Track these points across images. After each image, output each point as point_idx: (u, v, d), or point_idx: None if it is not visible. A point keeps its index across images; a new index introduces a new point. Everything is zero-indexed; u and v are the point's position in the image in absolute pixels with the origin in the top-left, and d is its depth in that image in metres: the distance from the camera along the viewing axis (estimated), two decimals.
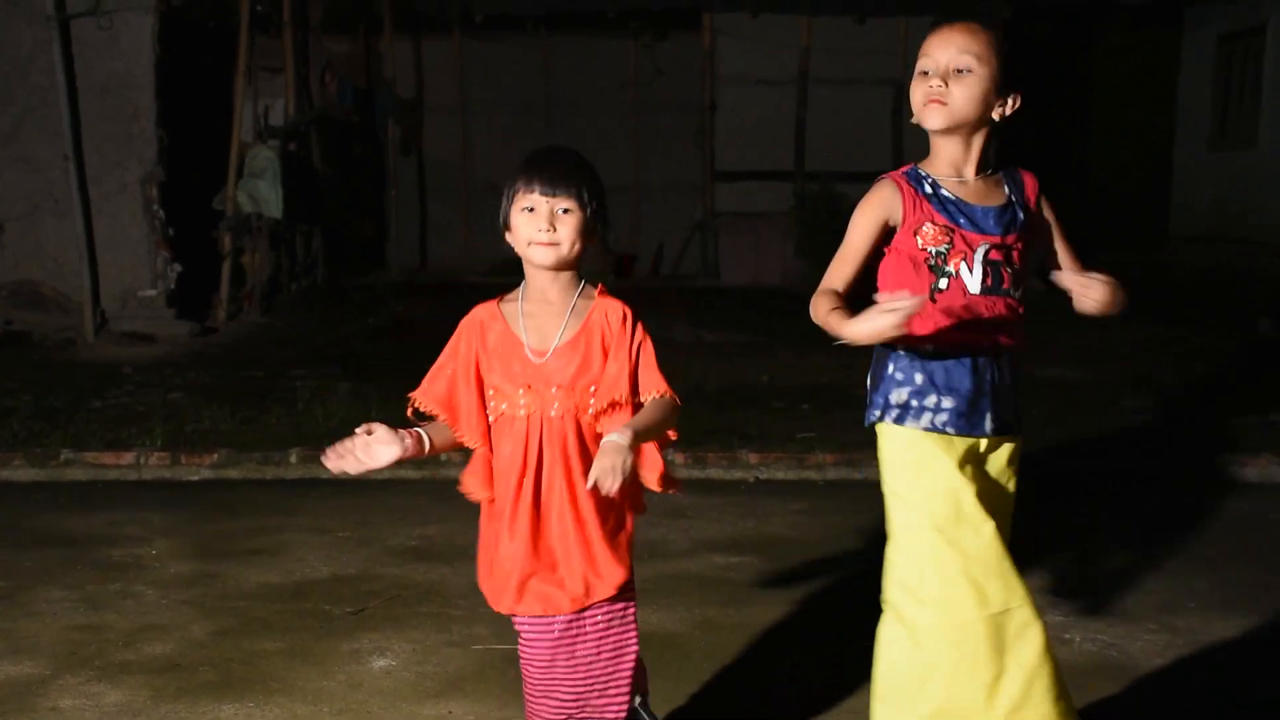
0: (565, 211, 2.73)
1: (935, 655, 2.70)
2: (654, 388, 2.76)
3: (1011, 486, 2.81)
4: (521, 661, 2.90)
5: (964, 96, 2.66)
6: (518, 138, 16.73)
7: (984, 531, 2.68)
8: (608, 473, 2.53)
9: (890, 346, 2.75)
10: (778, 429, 6.95)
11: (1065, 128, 17.26)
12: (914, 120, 2.75)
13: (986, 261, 2.70)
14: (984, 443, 2.74)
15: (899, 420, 2.73)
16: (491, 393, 2.80)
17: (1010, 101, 2.74)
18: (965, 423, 2.70)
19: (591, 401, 2.75)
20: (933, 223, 2.70)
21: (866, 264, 2.77)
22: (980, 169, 2.78)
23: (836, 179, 13.73)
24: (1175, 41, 16.54)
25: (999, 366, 2.74)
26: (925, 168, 2.79)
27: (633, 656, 2.87)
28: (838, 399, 7.52)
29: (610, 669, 2.85)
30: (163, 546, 5.27)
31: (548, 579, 2.77)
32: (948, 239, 2.69)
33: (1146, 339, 10.02)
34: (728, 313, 11.66)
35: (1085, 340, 9.46)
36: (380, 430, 2.86)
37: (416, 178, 17.48)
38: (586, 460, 2.72)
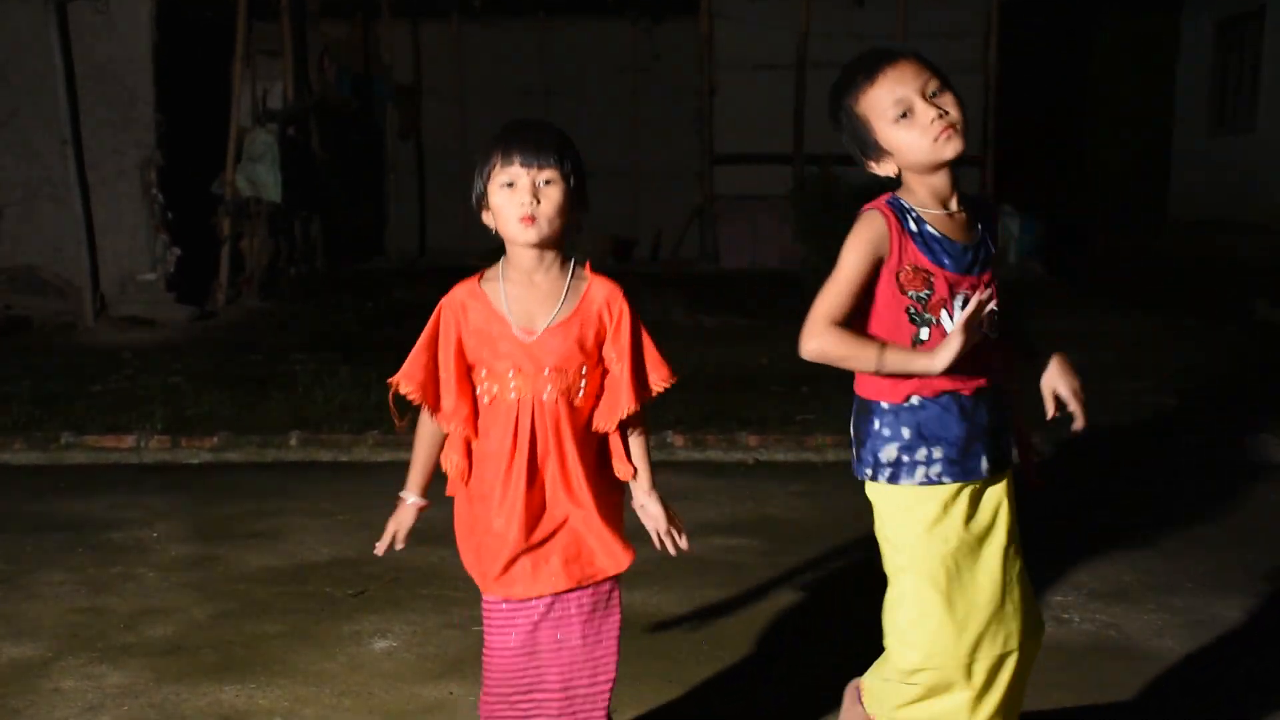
0: (548, 183, 2.61)
1: (924, 693, 2.70)
2: (659, 375, 2.73)
3: (1010, 517, 2.69)
4: (490, 655, 2.79)
5: (957, 112, 2.53)
6: None
7: (981, 582, 2.64)
8: (663, 531, 2.77)
9: (874, 400, 2.65)
10: (776, 411, 6.96)
11: (1064, 114, 17.24)
12: (923, 159, 2.55)
13: (965, 304, 2.54)
14: (977, 484, 2.65)
15: (893, 479, 2.63)
16: (483, 374, 2.70)
17: None
18: (960, 469, 2.60)
19: (583, 384, 2.69)
20: (915, 266, 2.56)
21: (861, 296, 2.60)
22: (951, 192, 2.63)
23: (835, 162, 13.72)
24: (1173, 27, 16.52)
25: (987, 406, 2.63)
26: (907, 199, 2.62)
27: (615, 640, 2.79)
28: (836, 382, 7.49)
29: (594, 654, 2.76)
30: (163, 529, 5.28)
31: (542, 559, 2.69)
32: (928, 285, 2.55)
33: (1145, 323, 10.03)
34: (726, 296, 11.66)
35: (1082, 325, 9.48)
36: (404, 530, 2.90)
37: (415, 163, 17.46)
38: (580, 442, 2.69)
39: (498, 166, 2.64)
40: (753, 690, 3.67)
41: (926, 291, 2.56)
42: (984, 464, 2.61)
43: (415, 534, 5.13)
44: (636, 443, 2.80)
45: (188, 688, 3.66)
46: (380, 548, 2.85)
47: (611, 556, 2.73)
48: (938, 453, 2.59)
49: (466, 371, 2.71)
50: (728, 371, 8.20)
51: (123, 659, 3.88)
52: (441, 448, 2.78)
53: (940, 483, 2.60)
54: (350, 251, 14.92)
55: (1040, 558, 4.75)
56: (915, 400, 2.60)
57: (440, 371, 2.71)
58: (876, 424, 2.64)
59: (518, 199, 2.61)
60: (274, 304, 11.94)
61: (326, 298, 12.15)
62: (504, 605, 2.75)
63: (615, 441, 2.77)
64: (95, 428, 6.76)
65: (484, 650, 2.81)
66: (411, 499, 2.85)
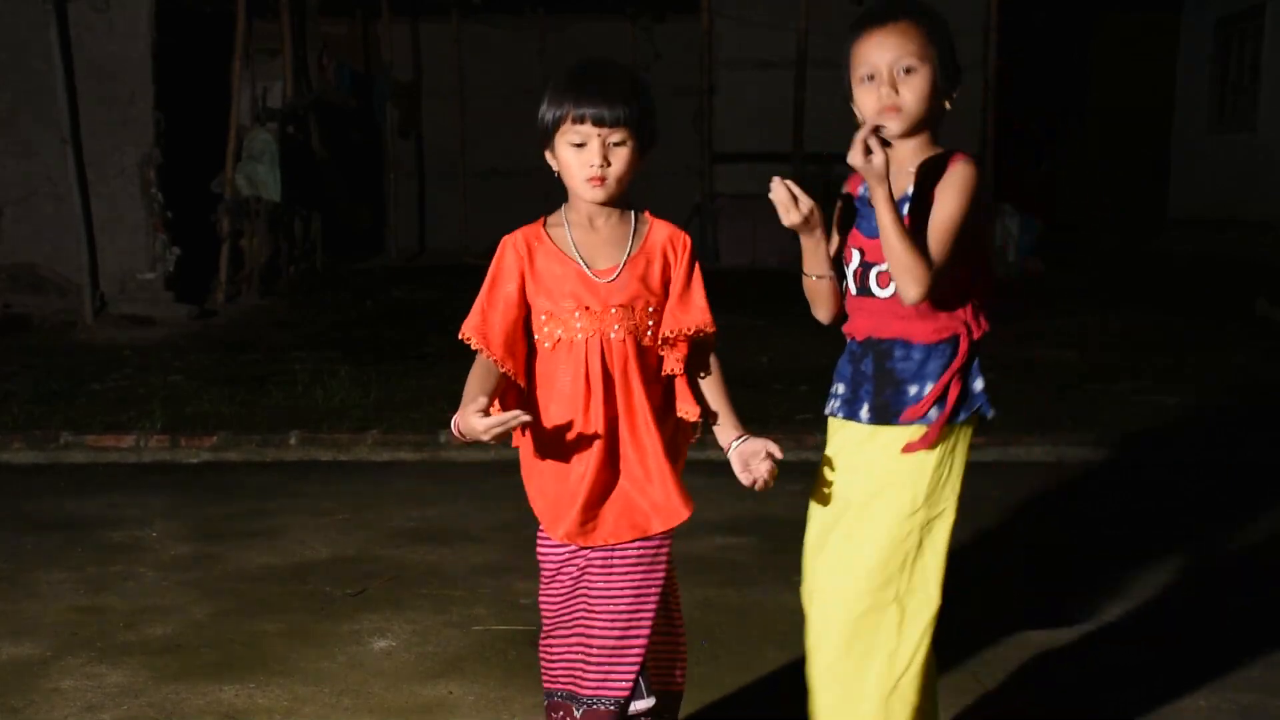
0: (618, 144, 2.58)
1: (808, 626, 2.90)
2: (703, 318, 2.71)
3: (907, 473, 2.69)
4: (541, 594, 2.75)
5: (914, 97, 2.60)
6: (516, 121, 16.68)
7: (821, 509, 2.85)
8: (762, 471, 2.77)
9: None
10: (776, 410, 6.95)
11: (1064, 112, 17.24)
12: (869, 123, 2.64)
13: (861, 264, 2.71)
14: (865, 430, 2.74)
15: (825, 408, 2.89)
16: (544, 318, 2.65)
17: (957, 86, 2.68)
18: (847, 407, 2.78)
19: (650, 323, 2.67)
20: (846, 226, 2.77)
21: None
22: (914, 161, 2.67)
23: (835, 160, 13.68)
24: (1174, 24, 16.52)
25: (880, 357, 2.70)
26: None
27: (652, 607, 2.70)
28: None
29: (634, 608, 2.68)
30: (163, 528, 5.28)
31: (608, 507, 2.65)
32: (843, 243, 2.77)
33: (1144, 322, 10.03)
34: (726, 295, 11.59)
35: (1083, 323, 9.48)
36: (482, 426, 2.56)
37: (415, 161, 17.46)
38: (647, 381, 2.67)
39: (568, 122, 2.58)
40: (753, 690, 3.67)
41: (840, 247, 2.80)
42: (864, 411, 2.74)
43: (414, 534, 5.17)
44: (711, 384, 2.80)
45: (187, 687, 3.66)
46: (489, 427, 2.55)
47: (670, 509, 2.67)
48: (838, 389, 2.84)
49: (523, 316, 2.67)
50: (728, 370, 8.17)
51: (122, 658, 3.87)
52: (499, 380, 2.67)
53: (836, 415, 2.83)
54: (350, 249, 14.92)
55: (1040, 557, 4.76)
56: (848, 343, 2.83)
57: (499, 311, 2.65)
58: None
59: (587, 159, 2.58)
60: (273, 302, 11.94)
61: (326, 296, 12.15)
62: (558, 548, 2.69)
63: (681, 383, 2.75)
64: (95, 427, 6.76)
65: (539, 589, 2.77)
66: (473, 406, 2.57)
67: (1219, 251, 12.91)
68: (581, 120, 2.56)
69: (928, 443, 2.65)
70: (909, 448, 2.67)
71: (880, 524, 2.71)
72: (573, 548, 2.68)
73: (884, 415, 2.70)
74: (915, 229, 2.59)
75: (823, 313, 2.84)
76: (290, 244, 13.27)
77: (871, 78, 2.62)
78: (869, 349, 2.74)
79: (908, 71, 2.60)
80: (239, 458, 6.51)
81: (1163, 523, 5.27)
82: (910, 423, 2.67)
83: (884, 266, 2.64)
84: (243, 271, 12.19)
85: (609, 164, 2.58)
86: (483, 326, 2.65)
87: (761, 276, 12.56)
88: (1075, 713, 3.51)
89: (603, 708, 2.68)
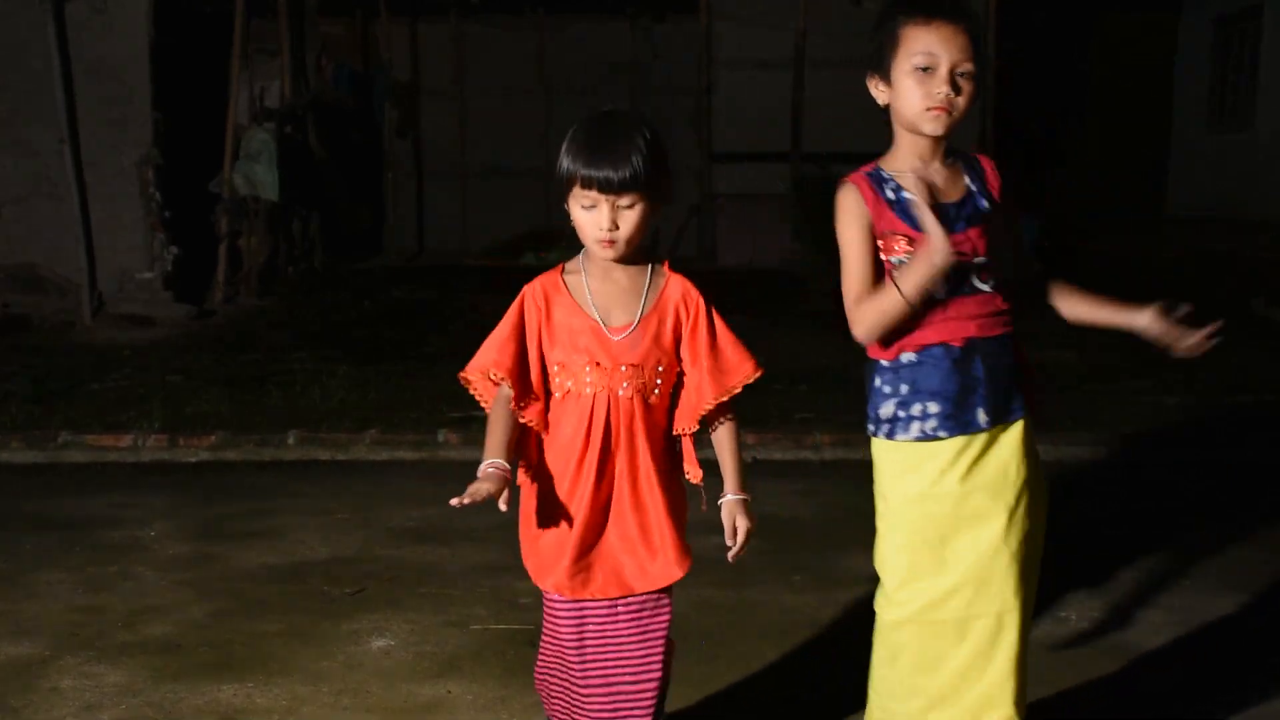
0: (628, 208, 2.60)
1: (902, 651, 2.74)
2: (744, 370, 2.74)
3: (1024, 472, 2.69)
4: (544, 641, 2.80)
5: (966, 104, 2.56)
6: (515, 121, 16.73)
7: (974, 537, 2.66)
8: (746, 534, 2.74)
9: (875, 358, 2.72)
10: (775, 409, 6.95)
11: (1062, 111, 17.23)
12: (908, 117, 2.61)
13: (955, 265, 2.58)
14: (982, 437, 2.65)
15: (890, 435, 2.68)
16: (556, 369, 2.68)
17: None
18: (955, 423, 2.62)
19: (658, 382, 2.69)
20: (894, 232, 2.61)
21: (875, 257, 2.66)
22: (941, 158, 2.67)
23: (833, 160, 13.69)
24: (1172, 23, 16.52)
25: (982, 357, 2.64)
26: (887, 165, 2.68)
27: (661, 646, 2.75)
28: (835, 380, 7.53)
29: (639, 653, 2.73)
30: (161, 528, 5.28)
31: (602, 562, 2.69)
32: (908, 250, 2.60)
33: None
34: (725, 294, 11.58)
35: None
36: (490, 492, 2.65)
37: (413, 161, 17.44)
38: (652, 440, 2.69)
39: (577, 185, 2.60)
40: (753, 690, 3.67)
41: (906, 255, 2.60)
42: (981, 416, 2.63)
43: (412, 533, 5.17)
44: (725, 433, 2.79)
45: (186, 686, 3.66)
46: (456, 502, 2.67)
47: (668, 565, 2.71)
48: (933, 407, 2.63)
49: (543, 364, 2.70)
50: None
51: (121, 658, 3.87)
52: (512, 431, 2.70)
53: (936, 437, 2.63)
54: (348, 249, 14.90)
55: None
56: (907, 357, 2.65)
57: (523, 359, 2.68)
58: (878, 381, 2.70)
59: (596, 221, 2.60)
60: (272, 302, 11.93)
61: (325, 296, 12.14)
62: (557, 599, 2.73)
63: (688, 444, 2.77)
64: (93, 426, 6.76)
65: (542, 631, 2.81)
66: (494, 466, 2.66)
67: (1217, 251, 12.89)
68: (589, 186, 2.58)
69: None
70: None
71: (1033, 521, 2.75)
72: (576, 601, 2.71)
73: (1000, 414, 2.66)
74: (996, 223, 2.64)
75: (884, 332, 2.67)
76: (289, 244, 13.25)
77: (927, 69, 2.55)
78: (974, 351, 2.63)
79: (965, 75, 2.55)
80: (238, 457, 6.51)
81: (1163, 523, 5.27)
82: (1018, 415, 2.68)
83: (983, 260, 2.61)
84: (241, 271, 12.18)
85: (617, 227, 2.60)
86: (510, 368, 2.66)
87: (760, 277, 12.56)
88: (1076, 712, 3.51)
89: None
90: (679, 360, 2.72)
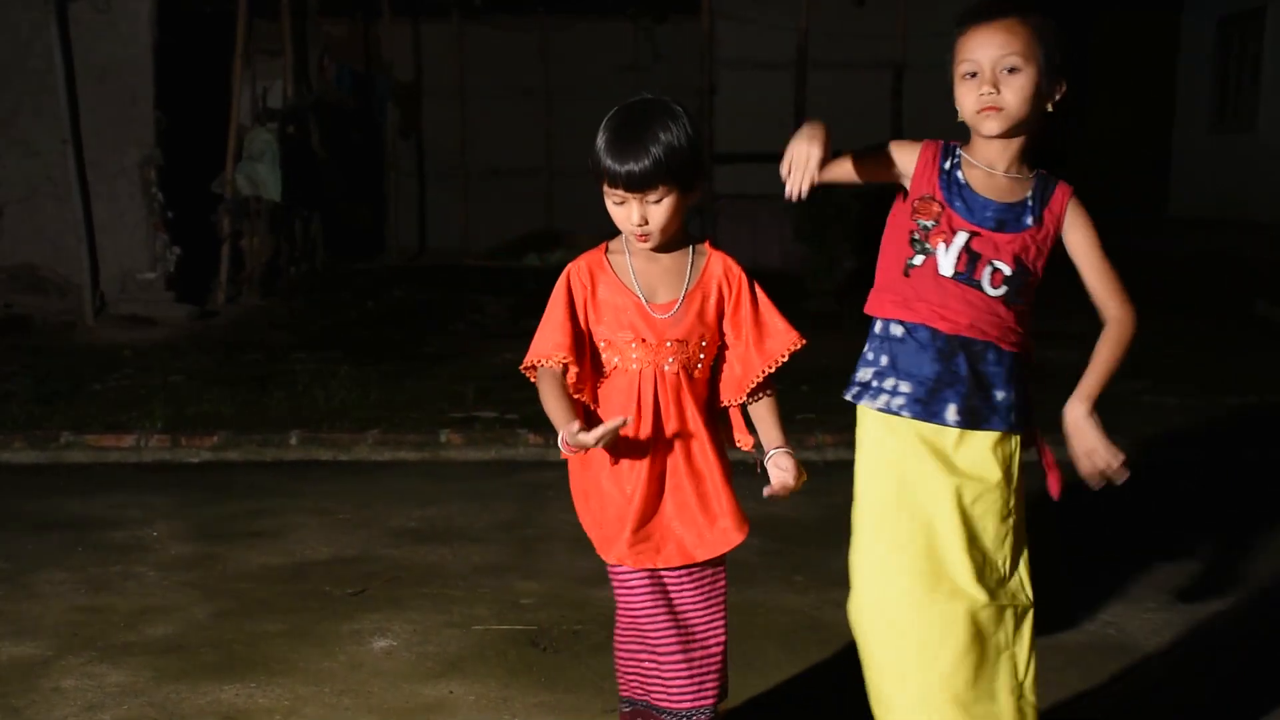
0: (656, 202, 2.64)
1: (871, 640, 2.71)
2: (789, 338, 2.78)
3: (1000, 476, 2.69)
4: (620, 616, 2.84)
5: (1017, 98, 2.58)
6: (517, 122, 16.73)
7: (921, 519, 2.65)
8: (787, 485, 2.75)
9: (871, 316, 2.76)
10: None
11: (1063, 111, 17.22)
12: (968, 122, 2.66)
13: (967, 249, 2.63)
14: (953, 434, 2.66)
15: (857, 398, 2.74)
16: (603, 345, 2.74)
17: (1060, 89, 2.67)
18: (923, 409, 2.64)
19: (701, 356, 2.75)
20: (931, 197, 2.65)
21: (871, 172, 2.74)
22: (1016, 166, 2.68)
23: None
24: (1174, 23, 16.51)
25: (971, 358, 2.65)
26: (964, 149, 2.72)
27: (723, 610, 2.83)
28: (837, 380, 7.46)
29: (707, 617, 2.80)
30: (163, 528, 5.28)
31: (665, 533, 2.73)
32: (935, 217, 2.64)
33: (1144, 321, 10.01)
34: None
35: (1081, 324, 9.46)
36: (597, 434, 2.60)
37: (415, 162, 17.44)
38: (701, 412, 2.76)
39: (605, 185, 2.65)
40: (753, 690, 3.67)
41: (932, 222, 2.65)
42: (951, 413, 2.64)
43: (414, 534, 5.17)
44: (768, 404, 2.84)
45: (188, 686, 3.66)
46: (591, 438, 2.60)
47: (727, 532, 2.77)
48: (904, 387, 2.67)
49: (591, 340, 2.75)
50: None
51: (123, 658, 3.88)
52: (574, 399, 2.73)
53: (899, 414, 2.66)
54: (350, 250, 14.90)
55: (1041, 557, 4.75)
56: (895, 329, 2.69)
57: (576, 334, 2.72)
58: (866, 347, 2.78)
59: (628, 215, 2.66)
60: (274, 302, 11.94)
61: (327, 296, 12.15)
62: (625, 570, 2.77)
63: (735, 413, 2.86)
64: (95, 427, 6.76)
65: (617, 608, 2.85)
66: (574, 426, 2.63)
67: (1219, 251, 12.88)
68: (615, 184, 2.62)
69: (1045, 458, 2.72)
70: (1051, 476, 2.76)
71: (989, 527, 2.68)
72: (645, 571, 2.75)
73: (973, 419, 2.66)
74: (1037, 245, 2.65)
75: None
76: (291, 244, 13.26)
77: (973, 75, 2.60)
78: (959, 347, 2.65)
79: (1011, 71, 2.58)
80: (240, 457, 6.51)
81: (1164, 523, 5.27)
82: (997, 427, 2.68)
83: (999, 266, 2.62)
84: (243, 272, 12.19)
85: (648, 221, 2.64)
86: (561, 341, 2.69)
87: (762, 277, 12.50)
88: (1081, 713, 3.51)
89: (700, 718, 2.78)
90: (721, 335, 2.79)
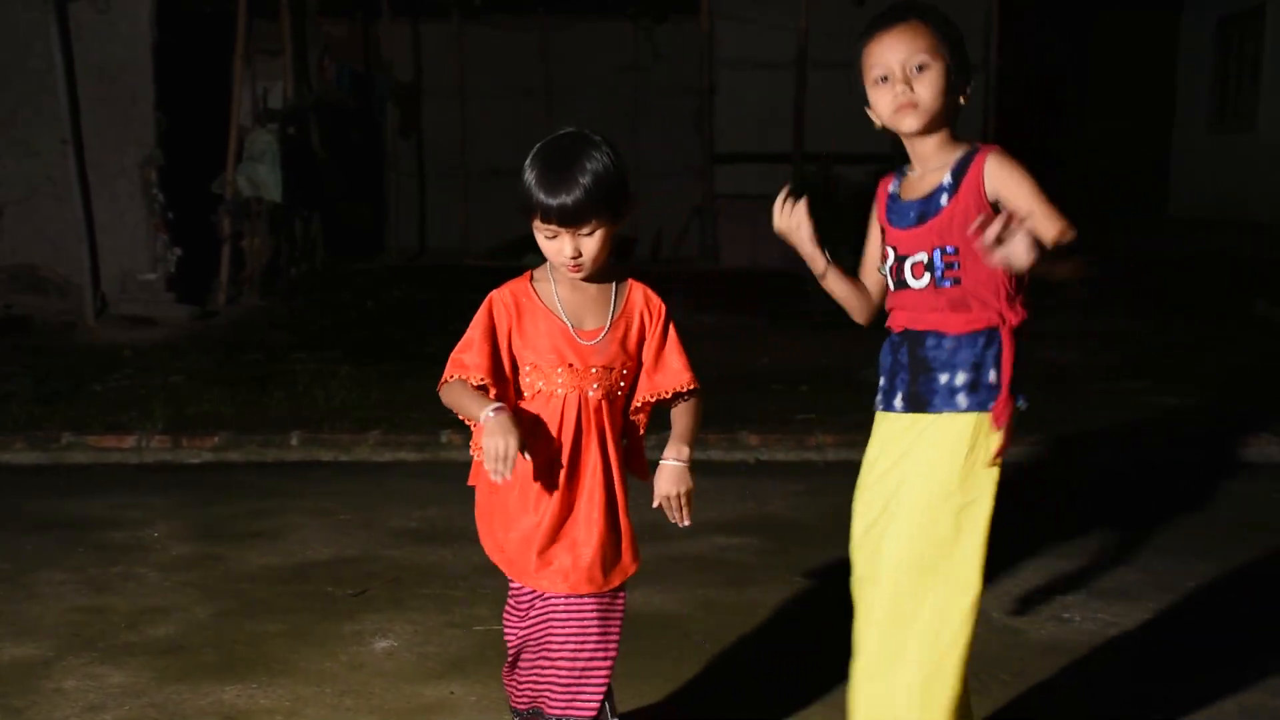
0: (588, 235, 2.69)
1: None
2: (681, 379, 2.84)
3: (946, 462, 2.71)
4: (506, 631, 2.91)
5: (930, 93, 2.65)
6: (517, 121, 16.70)
7: (864, 501, 2.82)
8: (676, 497, 2.80)
9: None
10: (777, 410, 6.96)
11: (1064, 111, 17.23)
12: (884, 127, 2.74)
13: (896, 258, 2.76)
14: (905, 419, 2.76)
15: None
16: (528, 369, 2.79)
17: (968, 83, 2.74)
18: (885, 400, 2.82)
19: (622, 384, 2.81)
20: (882, 227, 2.83)
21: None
22: (938, 158, 2.74)
23: (835, 161, 13.71)
24: (1174, 23, 16.52)
25: (911, 347, 2.75)
26: (909, 165, 2.83)
27: (615, 646, 2.85)
28: (837, 381, 7.54)
29: (603, 638, 2.82)
30: (164, 529, 5.29)
31: (571, 559, 2.76)
32: (883, 240, 2.83)
33: (1145, 322, 10.03)
34: (727, 295, 11.65)
35: (1082, 324, 9.48)
36: (512, 441, 2.60)
37: (415, 162, 17.45)
38: (616, 439, 2.82)
39: (537, 219, 2.70)
40: (753, 690, 3.67)
41: (880, 245, 2.86)
42: (898, 400, 2.78)
43: (415, 534, 5.17)
44: (679, 411, 2.89)
45: (189, 687, 3.66)
46: (500, 478, 2.62)
47: (630, 562, 2.84)
48: (881, 382, 2.85)
49: (512, 364, 2.80)
50: (728, 371, 8.20)
51: (124, 659, 3.88)
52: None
53: (876, 408, 2.85)
54: (350, 250, 14.90)
55: (1042, 557, 4.76)
56: (890, 338, 2.85)
57: (496, 359, 2.77)
58: None
59: (559, 248, 2.70)
60: (274, 303, 11.94)
61: (327, 296, 12.15)
62: (526, 593, 2.84)
63: (637, 440, 2.91)
64: (96, 427, 6.77)
65: (503, 623, 2.92)
66: (496, 409, 2.64)
67: (1219, 251, 12.88)
68: (549, 219, 2.67)
69: (999, 425, 2.69)
70: (999, 449, 2.70)
71: (914, 509, 2.73)
72: (546, 595, 2.80)
73: (917, 403, 2.74)
74: (958, 219, 2.65)
75: (856, 315, 2.94)
76: (291, 244, 13.26)
77: (885, 79, 2.68)
78: (905, 339, 2.78)
79: (920, 69, 2.66)
80: (240, 458, 6.52)
81: (1163, 523, 5.27)
82: (940, 409, 2.71)
83: (918, 258, 2.72)
84: (244, 272, 12.19)
85: (580, 253, 2.70)
86: (478, 362, 2.75)
87: (762, 277, 12.57)
88: (1079, 712, 3.52)
89: None
90: (639, 362, 2.85)
